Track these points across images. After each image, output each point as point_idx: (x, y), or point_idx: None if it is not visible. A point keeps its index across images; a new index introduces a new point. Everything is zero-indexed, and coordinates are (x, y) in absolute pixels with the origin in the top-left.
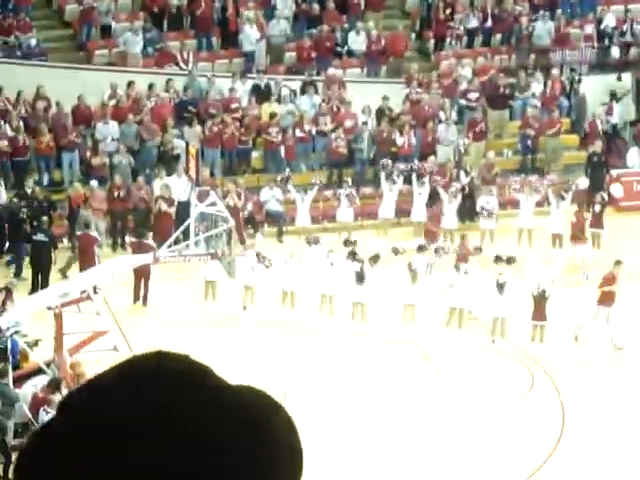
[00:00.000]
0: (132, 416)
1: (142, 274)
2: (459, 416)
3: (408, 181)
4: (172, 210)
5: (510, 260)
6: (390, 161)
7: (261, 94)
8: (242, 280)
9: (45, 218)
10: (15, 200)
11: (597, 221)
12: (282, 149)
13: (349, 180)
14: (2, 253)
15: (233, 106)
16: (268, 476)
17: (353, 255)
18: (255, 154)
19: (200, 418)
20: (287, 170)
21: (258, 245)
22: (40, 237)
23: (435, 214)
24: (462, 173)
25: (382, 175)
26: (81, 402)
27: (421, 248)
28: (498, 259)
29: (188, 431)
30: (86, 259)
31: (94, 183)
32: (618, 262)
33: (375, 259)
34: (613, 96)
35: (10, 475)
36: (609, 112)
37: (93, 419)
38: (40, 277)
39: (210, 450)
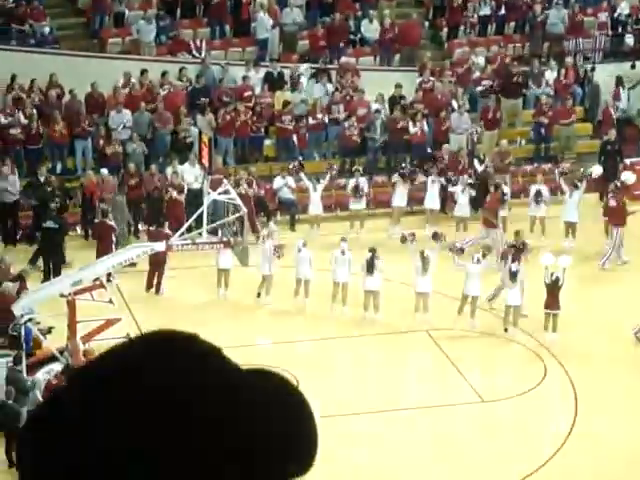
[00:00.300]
0: (170, 384)
1: (157, 262)
2: (471, 404)
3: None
4: (182, 197)
5: (523, 248)
6: (407, 164)
7: (274, 82)
8: (260, 269)
9: (54, 205)
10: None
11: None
12: (295, 137)
13: (360, 169)
14: (16, 241)
15: (246, 94)
16: (281, 458)
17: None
18: (267, 142)
19: (217, 399)
20: (300, 158)
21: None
22: (50, 224)
23: (493, 203)
24: (476, 161)
25: (396, 176)
26: (108, 371)
27: (435, 236)
28: (511, 247)
29: (208, 409)
30: (103, 248)
31: (104, 171)
32: None
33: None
34: (619, 81)
35: None
36: (616, 97)
37: (124, 388)
38: (51, 264)
39: (228, 423)
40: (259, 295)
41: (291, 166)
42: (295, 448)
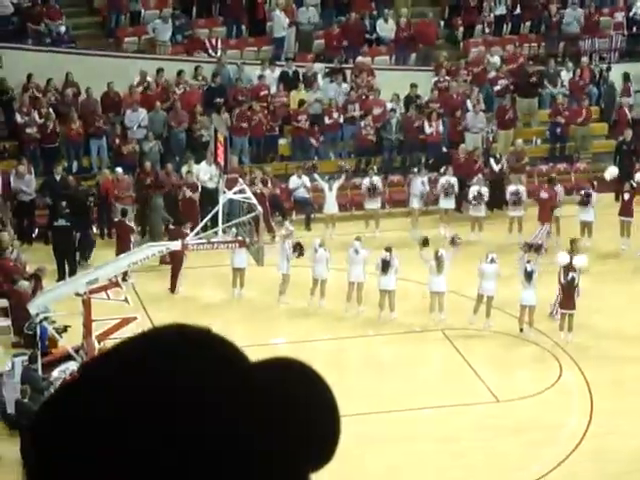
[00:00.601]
0: (175, 385)
1: (174, 261)
2: (487, 404)
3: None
4: (196, 196)
5: (539, 248)
6: (422, 167)
7: (289, 81)
8: (279, 269)
9: (64, 203)
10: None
11: (626, 209)
12: (312, 138)
13: (374, 168)
14: (32, 240)
15: (262, 93)
16: (300, 451)
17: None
18: (282, 141)
19: (233, 391)
20: (315, 158)
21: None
22: (62, 222)
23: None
24: (492, 160)
25: (411, 178)
26: (113, 371)
27: (453, 241)
28: (527, 247)
29: (223, 406)
30: (122, 247)
31: (119, 170)
32: None
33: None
34: (627, 78)
35: None
36: (626, 94)
37: (128, 387)
38: (66, 263)
39: (244, 424)
40: (281, 293)
41: (306, 166)
42: (316, 440)
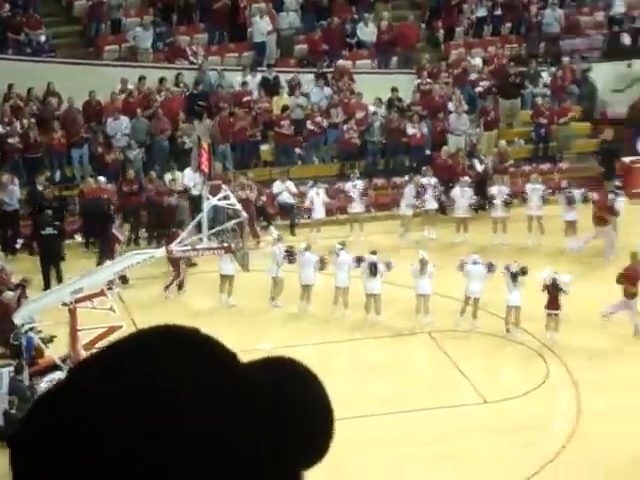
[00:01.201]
0: (156, 386)
1: (173, 264)
2: (474, 406)
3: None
4: (184, 202)
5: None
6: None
7: (270, 87)
8: (269, 273)
9: (49, 212)
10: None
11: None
12: (296, 144)
13: (357, 172)
14: (16, 250)
15: (245, 99)
16: (292, 450)
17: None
18: (264, 147)
19: (219, 392)
20: (299, 162)
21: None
22: (49, 231)
23: (603, 200)
24: (476, 162)
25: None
26: (98, 374)
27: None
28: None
29: (206, 404)
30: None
31: (102, 179)
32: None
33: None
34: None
35: None
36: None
37: (114, 390)
38: (54, 271)
39: (230, 422)
40: (273, 299)
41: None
42: (309, 438)
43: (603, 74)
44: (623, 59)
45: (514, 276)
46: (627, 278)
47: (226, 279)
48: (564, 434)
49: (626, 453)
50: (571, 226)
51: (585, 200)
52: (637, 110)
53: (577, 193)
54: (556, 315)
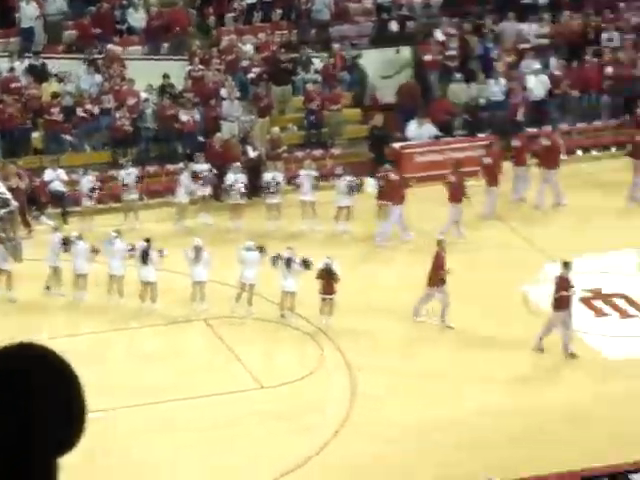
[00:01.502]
0: None
1: None
2: (251, 391)
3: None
4: None
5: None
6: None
7: (39, 74)
8: (48, 262)
9: None
10: None
11: (384, 194)
12: (66, 132)
13: (130, 159)
14: None
15: (13, 86)
16: (43, 435)
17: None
18: (35, 135)
19: None
20: (69, 150)
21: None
22: None
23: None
24: (249, 148)
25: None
26: None
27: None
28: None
29: None
30: None
31: None
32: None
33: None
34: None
35: None
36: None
37: None
38: None
39: None
40: (49, 288)
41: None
42: (64, 423)
43: (372, 60)
44: (391, 45)
45: (288, 262)
46: (435, 266)
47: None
48: (338, 418)
49: (402, 435)
50: (343, 212)
51: (360, 189)
52: (403, 95)
53: (354, 181)
54: (330, 300)
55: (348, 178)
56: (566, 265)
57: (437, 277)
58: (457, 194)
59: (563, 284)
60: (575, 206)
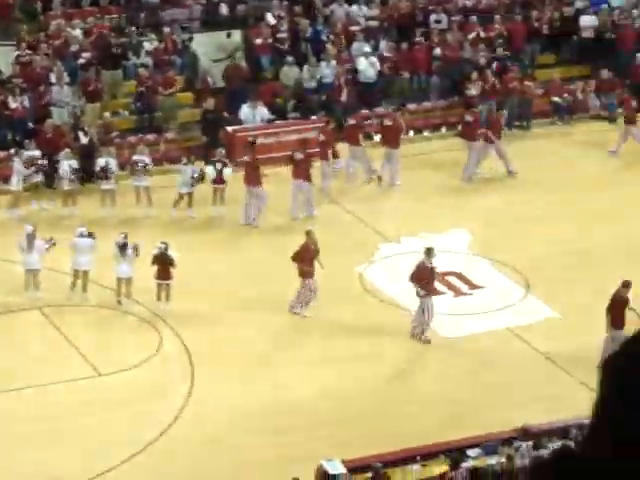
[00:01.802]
0: None
1: None
2: (87, 379)
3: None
4: None
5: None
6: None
7: None
8: None
9: None
10: None
11: (221, 180)
12: None
13: None
14: None
15: None
16: None
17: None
18: None
19: None
20: None
21: None
22: None
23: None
24: (81, 134)
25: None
26: None
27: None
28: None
29: None
30: None
31: None
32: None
33: None
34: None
35: None
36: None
37: None
38: None
39: None
40: None
41: None
42: None
43: (204, 44)
44: (222, 29)
45: (122, 248)
46: (301, 257)
47: None
48: (179, 401)
49: (240, 417)
50: (184, 198)
51: (203, 179)
52: (230, 77)
53: (199, 171)
54: (167, 285)
55: (192, 168)
56: (429, 252)
57: (304, 270)
58: (303, 172)
59: (426, 273)
60: (409, 186)
